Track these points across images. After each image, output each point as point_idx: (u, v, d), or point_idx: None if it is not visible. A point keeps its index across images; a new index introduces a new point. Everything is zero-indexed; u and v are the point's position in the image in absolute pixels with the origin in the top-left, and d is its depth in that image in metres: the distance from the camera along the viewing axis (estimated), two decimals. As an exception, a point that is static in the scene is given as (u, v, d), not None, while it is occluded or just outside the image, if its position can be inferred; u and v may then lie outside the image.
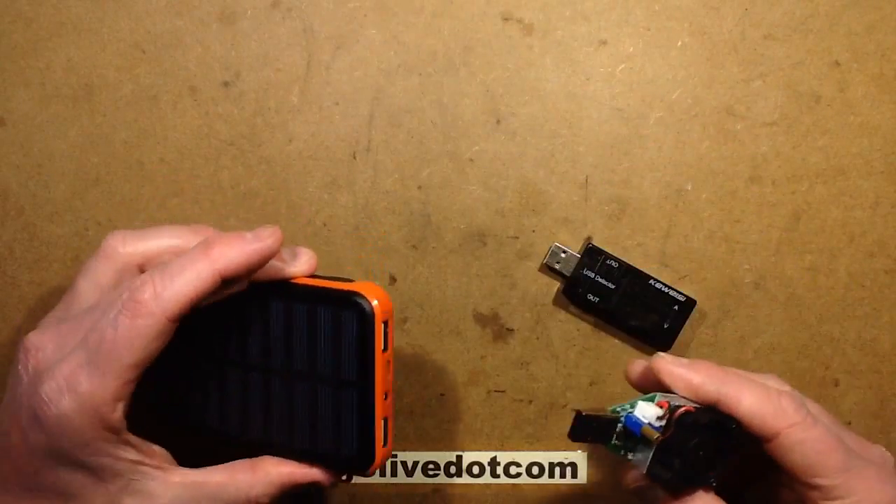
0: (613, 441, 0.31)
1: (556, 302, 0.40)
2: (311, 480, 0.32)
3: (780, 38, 0.39)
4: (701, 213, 0.39)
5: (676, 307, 0.39)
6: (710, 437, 0.30)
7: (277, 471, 0.32)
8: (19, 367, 0.29)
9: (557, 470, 0.41)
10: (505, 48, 0.39)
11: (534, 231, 0.40)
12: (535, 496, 0.41)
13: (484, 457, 0.41)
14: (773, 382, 0.32)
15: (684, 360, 0.31)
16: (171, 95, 0.39)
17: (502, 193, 0.40)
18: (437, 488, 0.41)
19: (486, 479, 0.41)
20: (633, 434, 0.31)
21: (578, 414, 0.31)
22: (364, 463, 0.31)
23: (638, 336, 0.40)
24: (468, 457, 0.41)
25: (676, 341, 0.39)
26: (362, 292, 0.30)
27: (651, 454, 0.30)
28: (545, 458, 0.41)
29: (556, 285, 0.40)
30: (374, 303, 0.30)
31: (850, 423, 0.40)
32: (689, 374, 0.31)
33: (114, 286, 0.31)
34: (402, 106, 0.39)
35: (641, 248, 0.40)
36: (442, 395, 0.40)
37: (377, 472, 0.33)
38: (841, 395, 0.40)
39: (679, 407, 0.30)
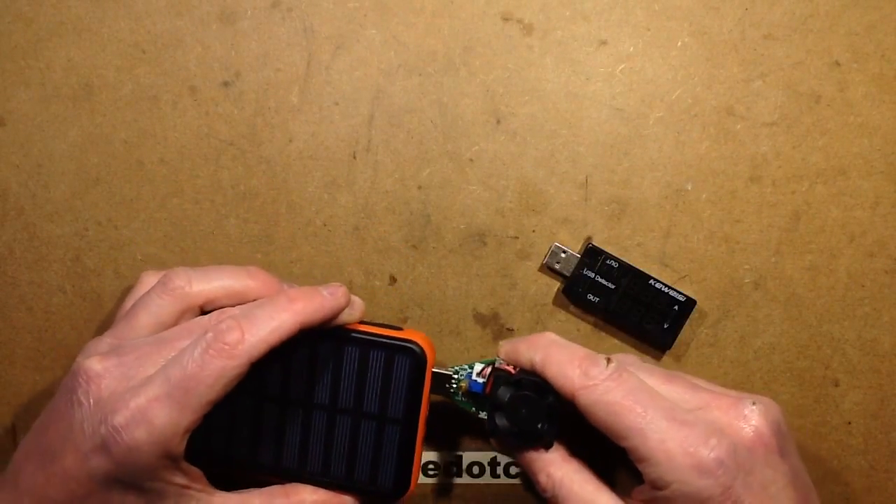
0: (460, 397, 0.36)
1: (556, 302, 0.40)
2: None
3: (780, 38, 0.39)
4: (701, 213, 0.39)
5: (676, 307, 0.39)
6: (537, 399, 0.33)
7: (312, 498, 0.34)
8: (78, 392, 0.30)
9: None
10: (505, 48, 0.39)
11: (534, 231, 0.40)
12: (534, 496, 0.41)
13: (484, 457, 0.41)
14: (622, 356, 0.34)
15: (516, 339, 0.35)
16: (171, 95, 0.39)
17: (502, 193, 0.40)
18: (437, 488, 0.41)
19: (486, 478, 0.41)
20: (475, 392, 0.35)
21: None
22: (400, 491, 0.35)
23: (638, 336, 0.40)
24: (468, 457, 0.41)
25: (676, 341, 0.39)
26: (417, 341, 0.34)
27: (487, 413, 0.34)
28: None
29: (556, 285, 0.40)
30: (427, 352, 0.34)
31: (849, 424, 0.40)
32: (507, 347, 0.35)
33: (174, 323, 0.33)
34: (402, 106, 0.39)
35: (641, 248, 0.40)
36: (442, 395, 0.41)
37: None
38: (841, 395, 0.40)
39: (499, 367, 0.35)
